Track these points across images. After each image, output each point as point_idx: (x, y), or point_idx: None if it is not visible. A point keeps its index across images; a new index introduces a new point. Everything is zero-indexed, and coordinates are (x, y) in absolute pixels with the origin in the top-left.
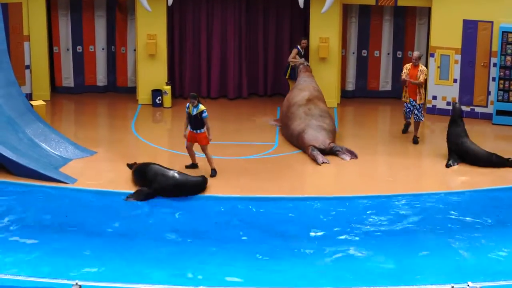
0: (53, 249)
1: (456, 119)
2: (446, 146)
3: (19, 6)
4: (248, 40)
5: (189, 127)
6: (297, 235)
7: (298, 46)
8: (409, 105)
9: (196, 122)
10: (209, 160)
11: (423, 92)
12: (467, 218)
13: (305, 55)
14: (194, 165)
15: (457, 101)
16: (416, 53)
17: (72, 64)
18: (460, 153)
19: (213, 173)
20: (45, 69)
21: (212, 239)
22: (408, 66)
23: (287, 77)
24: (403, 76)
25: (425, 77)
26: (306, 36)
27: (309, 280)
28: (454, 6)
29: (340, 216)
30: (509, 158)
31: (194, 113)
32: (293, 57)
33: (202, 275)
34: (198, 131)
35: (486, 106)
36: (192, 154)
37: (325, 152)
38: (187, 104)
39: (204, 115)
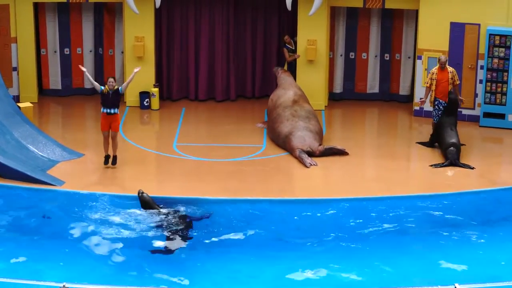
0: (40, 251)
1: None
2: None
3: (6, 7)
4: (236, 42)
5: (103, 109)
6: (286, 237)
7: (286, 45)
8: (441, 107)
9: (113, 100)
10: (115, 147)
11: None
12: (454, 220)
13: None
14: (109, 156)
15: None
16: (443, 57)
17: (59, 66)
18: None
19: (115, 160)
20: (32, 71)
21: (201, 241)
22: (434, 70)
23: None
24: (428, 83)
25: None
26: (287, 33)
27: (296, 281)
28: (441, 9)
29: (329, 217)
30: (446, 161)
31: (112, 89)
32: (288, 56)
33: (190, 279)
34: (114, 111)
35: (473, 109)
36: (107, 143)
37: (314, 155)
38: (102, 87)
39: (120, 89)
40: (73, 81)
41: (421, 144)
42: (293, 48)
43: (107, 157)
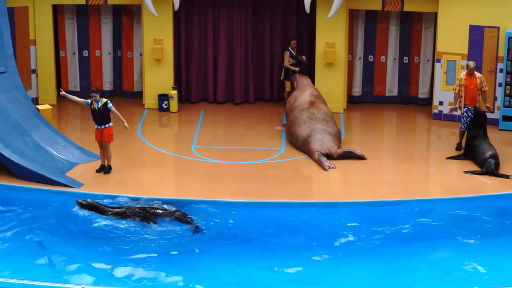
0: (58, 253)
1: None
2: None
3: (25, 10)
4: (255, 45)
5: (95, 124)
6: (304, 240)
7: (289, 48)
8: (469, 114)
9: (102, 116)
10: (108, 157)
11: (480, 99)
12: (473, 223)
13: (311, 59)
14: (104, 167)
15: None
16: (471, 63)
17: (78, 68)
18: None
19: (108, 169)
20: (51, 73)
21: (220, 244)
22: (462, 76)
23: (281, 78)
24: (457, 89)
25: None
26: (296, 37)
27: (313, 284)
28: (460, 12)
29: (347, 220)
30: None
31: (99, 106)
32: (288, 61)
33: (210, 280)
34: (104, 126)
35: (493, 112)
36: (103, 154)
37: (333, 157)
38: (88, 100)
39: (109, 106)
40: (92, 83)
41: (454, 159)
42: (294, 55)
43: (101, 167)
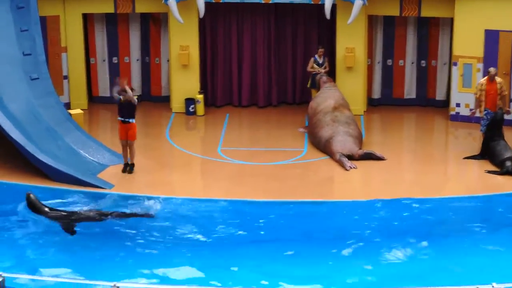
0: (89, 252)
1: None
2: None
3: (57, 18)
4: (277, 50)
5: (119, 118)
6: (327, 238)
7: (316, 56)
8: (489, 117)
9: (128, 108)
10: (132, 155)
11: (501, 103)
12: (491, 221)
13: (332, 64)
14: (127, 165)
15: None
16: (492, 69)
17: (108, 74)
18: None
19: (132, 167)
20: (82, 80)
21: (246, 241)
22: (483, 81)
23: (308, 86)
24: (478, 94)
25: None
26: (323, 44)
27: (339, 284)
28: (476, 17)
29: (368, 219)
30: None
31: (127, 99)
32: (311, 67)
33: (233, 279)
34: (128, 120)
35: (509, 113)
36: (126, 151)
37: (354, 158)
38: (120, 97)
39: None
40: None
41: (471, 158)
42: (320, 63)
43: (125, 165)
